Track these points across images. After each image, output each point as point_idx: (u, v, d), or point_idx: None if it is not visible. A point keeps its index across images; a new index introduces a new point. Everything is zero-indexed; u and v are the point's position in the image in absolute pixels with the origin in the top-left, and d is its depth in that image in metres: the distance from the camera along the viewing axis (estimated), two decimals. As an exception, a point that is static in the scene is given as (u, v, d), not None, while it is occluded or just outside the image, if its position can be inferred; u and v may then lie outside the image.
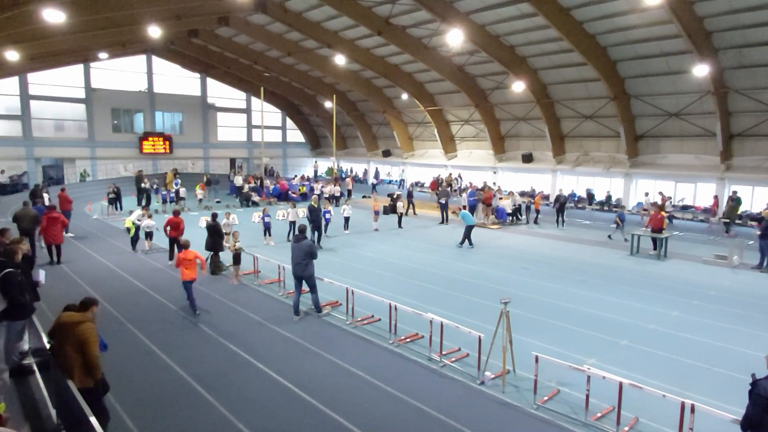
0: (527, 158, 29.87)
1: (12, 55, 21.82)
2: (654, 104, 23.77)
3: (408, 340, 8.79)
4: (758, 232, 14.82)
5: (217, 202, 28.24)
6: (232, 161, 42.90)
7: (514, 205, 22.95)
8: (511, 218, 22.71)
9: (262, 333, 9.24)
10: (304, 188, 30.74)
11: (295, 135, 47.56)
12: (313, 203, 17.07)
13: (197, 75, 40.27)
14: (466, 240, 17.07)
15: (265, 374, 7.52)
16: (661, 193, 23.63)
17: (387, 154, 39.70)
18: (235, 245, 12.47)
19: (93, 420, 4.25)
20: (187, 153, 40.15)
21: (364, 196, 31.59)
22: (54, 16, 16.21)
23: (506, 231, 20.89)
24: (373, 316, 9.87)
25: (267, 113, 40.85)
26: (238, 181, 30.56)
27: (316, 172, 42.31)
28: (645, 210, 22.75)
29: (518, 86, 25.01)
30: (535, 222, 22.61)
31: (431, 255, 15.93)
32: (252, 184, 30.42)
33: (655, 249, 16.32)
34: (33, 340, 7.60)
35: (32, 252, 13.53)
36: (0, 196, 28.05)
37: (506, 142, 31.93)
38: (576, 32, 21.35)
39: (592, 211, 27.06)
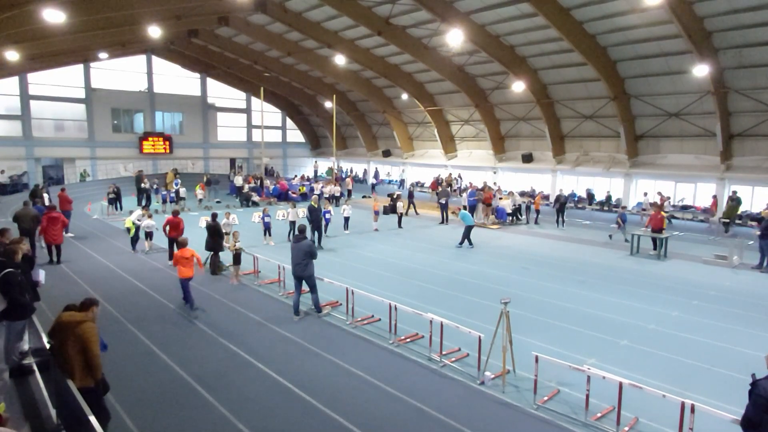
0: (527, 158, 29.87)
1: (12, 55, 21.83)
2: (654, 104, 23.78)
3: (408, 340, 8.79)
4: (758, 232, 14.82)
5: (217, 202, 28.24)
6: (232, 161, 42.91)
7: (514, 205, 22.95)
8: (511, 218, 22.71)
9: (262, 333, 9.24)
10: (304, 188, 30.75)
11: (295, 135, 47.56)
12: (313, 203, 17.07)
13: (197, 75, 40.27)
14: (466, 240, 17.07)
15: (265, 374, 7.52)
16: (659, 193, 23.65)
17: (387, 154, 39.70)
18: (235, 245, 12.47)
19: (92, 419, 4.25)
20: (187, 153, 40.15)
21: (364, 196, 31.60)
22: (54, 16, 16.21)
23: (506, 231, 20.89)
24: (373, 316, 9.87)
25: (267, 113, 40.85)
26: (238, 181, 30.57)
27: (316, 172, 42.32)
28: (644, 210, 22.78)
29: (518, 86, 25.01)
30: (536, 222, 22.61)
31: (431, 255, 15.93)
32: (252, 184, 30.43)
33: (655, 249, 16.32)
34: (33, 340, 7.60)
35: (32, 252, 13.57)
36: (0, 196, 28.06)
37: (506, 142, 31.94)
38: (576, 32, 21.36)
39: (592, 211, 27.06)
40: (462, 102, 31.04)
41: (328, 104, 35.43)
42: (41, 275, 8.18)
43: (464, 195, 23.83)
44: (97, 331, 5.44)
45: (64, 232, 15.21)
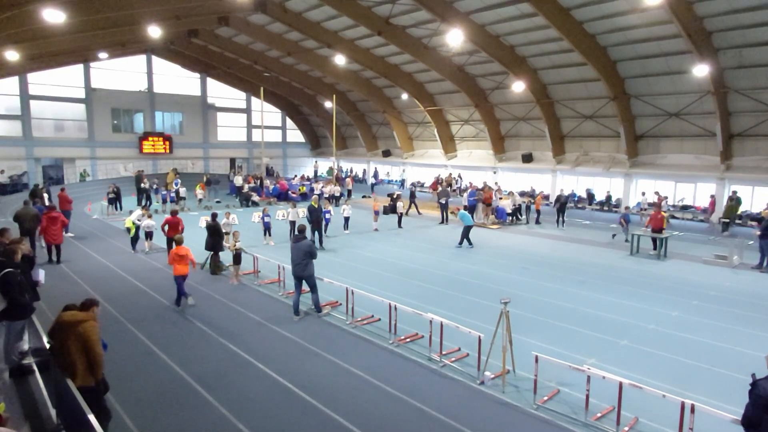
0: (527, 158, 29.87)
1: (12, 55, 21.81)
2: (654, 104, 23.78)
3: (408, 340, 8.79)
4: (758, 232, 14.81)
5: (217, 202, 28.24)
6: (232, 161, 42.91)
7: (514, 205, 22.95)
8: (511, 218, 22.71)
9: (262, 333, 9.24)
10: (304, 188, 30.75)
11: (295, 135, 47.56)
12: (313, 203, 17.06)
13: (197, 75, 40.27)
14: (466, 240, 17.07)
15: (265, 374, 7.52)
16: (657, 193, 23.66)
17: (387, 154, 39.70)
18: (235, 245, 12.47)
19: (92, 418, 4.24)
20: (187, 153, 40.15)
21: (364, 196, 31.60)
22: (54, 16, 16.20)
23: (506, 231, 20.89)
24: (373, 316, 9.87)
25: (267, 113, 40.85)
26: (238, 181, 30.57)
27: (316, 172, 42.32)
28: (644, 210, 22.78)
29: (518, 86, 25.01)
30: (537, 222, 22.61)
31: (431, 255, 15.93)
32: (252, 184, 30.43)
33: (655, 249, 16.32)
34: (33, 340, 7.60)
35: (33, 251, 13.57)
36: (0, 196, 28.06)
37: (506, 142, 31.93)
38: (576, 32, 21.36)
39: (592, 211, 27.07)
40: (462, 102, 31.04)
41: (328, 104, 35.43)
42: (41, 275, 8.18)
43: (464, 195, 23.85)
44: (99, 330, 5.46)
45: (64, 232, 15.21)
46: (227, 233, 14.49)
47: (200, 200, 26.42)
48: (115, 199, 23.83)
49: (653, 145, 25.35)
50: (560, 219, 21.64)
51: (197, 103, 40.79)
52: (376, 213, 20.71)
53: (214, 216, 13.77)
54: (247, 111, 43.82)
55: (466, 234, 17.05)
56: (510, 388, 7.11)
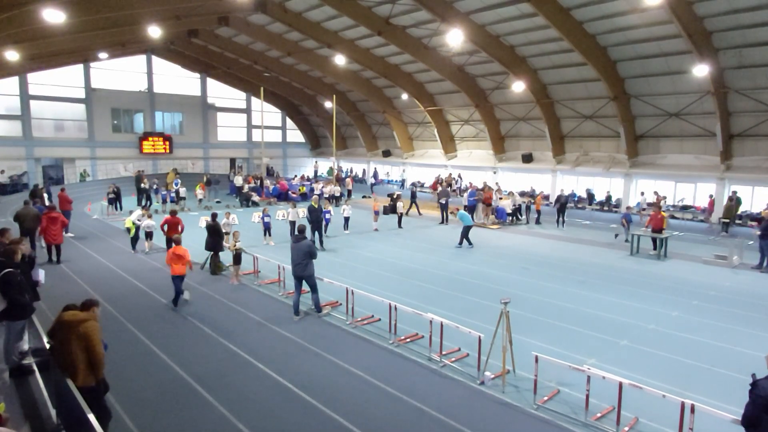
0: (527, 158, 29.87)
1: (12, 55, 21.82)
2: (654, 104, 23.78)
3: (408, 340, 8.79)
4: (758, 232, 14.82)
5: (217, 202, 28.25)
6: (232, 161, 42.91)
7: (514, 205, 22.95)
8: (511, 218, 22.71)
9: (262, 333, 9.24)
10: (304, 188, 30.75)
11: (295, 135, 47.56)
12: (313, 203, 17.05)
13: (197, 75, 40.26)
14: (465, 240, 17.08)
15: (265, 374, 7.52)
16: (655, 193, 23.65)
17: (387, 154, 39.70)
18: (235, 245, 12.47)
19: (91, 417, 4.25)
20: (187, 153, 40.15)
21: (364, 196, 31.61)
22: (54, 16, 16.20)
23: (506, 231, 20.89)
24: (373, 316, 9.87)
25: (267, 113, 40.85)
26: (238, 181, 30.57)
27: (316, 172, 42.32)
28: (643, 210, 22.78)
29: (518, 86, 25.01)
30: (537, 222, 22.61)
31: (431, 255, 15.93)
32: (252, 184, 30.43)
33: (655, 249, 16.32)
34: (33, 340, 7.61)
35: (33, 251, 13.58)
36: (0, 196, 28.06)
37: (506, 142, 31.93)
38: (576, 32, 21.36)
39: (592, 211, 27.07)
40: (462, 102, 31.04)
41: (328, 104, 35.43)
42: (41, 275, 8.19)
43: (465, 195, 23.86)
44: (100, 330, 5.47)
45: (64, 232, 15.21)
46: (227, 233, 14.49)
47: (200, 200, 26.42)
48: (115, 199, 23.83)
49: (653, 145, 25.35)
50: (560, 219, 21.65)
51: (197, 103, 40.79)
52: (376, 213, 20.71)
53: (214, 216, 13.77)
54: (247, 111, 43.82)
55: (465, 234, 17.05)
56: (510, 388, 7.11)
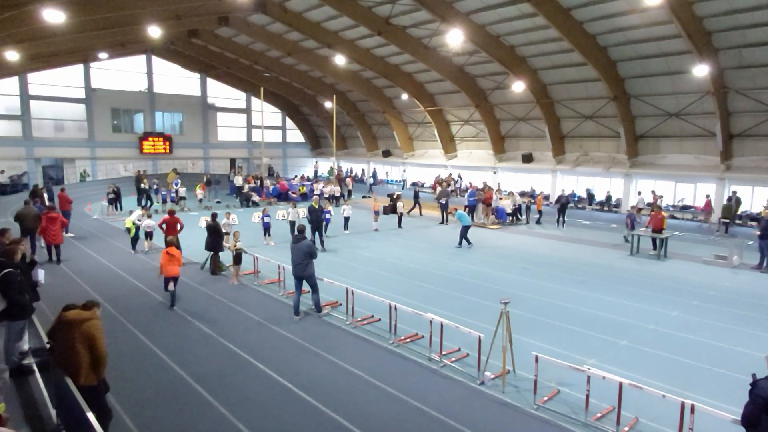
0: (527, 158, 29.88)
1: (12, 55, 21.83)
2: (654, 104, 23.78)
3: (408, 340, 8.79)
4: (758, 232, 14.82)
5: (217, 202, 28.24)
6: (232, 161, 42.90)
7: (514, 205, 22.95)
8: (511, 218, 22.71)
9: (262, 333, 9.24)
10: (304, 188, 30.76)
11: (295, 135, 47.57)
12: (313, 204, 17.03)
13: (197, 75, 40.28)
14: (464, 240, 17.08)
15: (265, 374, 7.52)
16: (653, 192, 23.63)
17: (387, 154, 39.71)
18: (235, 245, 12.47)
19: (91, 417, 4.24)
20: (187, 153, 40.16)
21: (364, 196, 31.61)
22: (54, 16, 16.21)
23: (506, 231, 20.88)
24: (373, 316, 9.86)
25: (267, 113, 40.86)
26: (238, 181, 30.55)
27: (316, 172, 42.31)
28: (641, 210, 22.73)
29: (518, 86, 25.02)
30: (538, 222, 22.60)
31: (431, 255, 15.92)
32: (252, 184, 30.43)
33: (655, 249, 16.32)
34: (33, 340, 7.61)
35: (33, 251, 13.59)
36: (0, 196, 28.05)
37: (506, 142, 31.95)
38: (576, 32, 21.37)
39: (592, 211, 27.07)
40: (462, 102, 31.05)
41: (328, 104, 35.43)
42: (41, 275, 8.19)
43: (465, 195, 23.85)
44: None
45: (63, 232, 15.21)
46: (227, 233, 14.48)
47: (200, 200, 26.41)
48: (115, 200, 23.82)
49: (653, 145, 25.36)
50: (560, 219, 21.65)
51: (197, 103, 40.80)
52: (376, 213, 20.70)
53: (214, 216, 13.77)
54: (247, 111, 43.83)
55: (464, 234, 17.05)
56: (510, 388, 7.11)
